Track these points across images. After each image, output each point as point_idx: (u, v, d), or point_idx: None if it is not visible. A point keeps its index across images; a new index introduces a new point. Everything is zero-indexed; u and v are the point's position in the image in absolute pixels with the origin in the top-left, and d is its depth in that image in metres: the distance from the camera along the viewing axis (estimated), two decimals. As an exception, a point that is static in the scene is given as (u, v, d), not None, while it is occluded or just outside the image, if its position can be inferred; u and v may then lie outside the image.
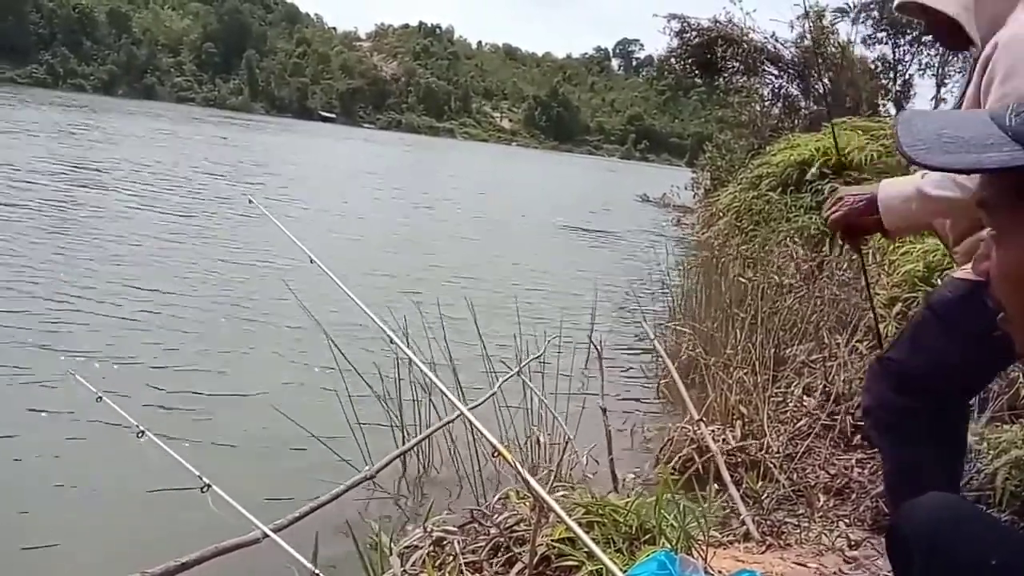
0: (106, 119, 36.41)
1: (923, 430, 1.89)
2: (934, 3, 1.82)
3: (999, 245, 0.80)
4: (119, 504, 3.21)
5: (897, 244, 4.87)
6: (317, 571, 2.06)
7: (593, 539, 1.96)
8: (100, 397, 2.52)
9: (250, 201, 3.02)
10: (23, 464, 3.45)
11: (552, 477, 2.91)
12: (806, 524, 2.72)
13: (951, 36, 1.88)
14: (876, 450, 2.66)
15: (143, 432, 2.41)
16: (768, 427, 3.55)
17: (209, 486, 2.23)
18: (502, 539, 2.33)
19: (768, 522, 2.71)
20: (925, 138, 0.79)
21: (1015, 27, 1.66)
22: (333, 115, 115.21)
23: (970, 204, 1.62)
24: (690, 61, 19.80)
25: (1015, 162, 0.73)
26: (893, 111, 19.93)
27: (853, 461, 3.18)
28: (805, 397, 3.89)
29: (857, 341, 4.15)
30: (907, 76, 22.84)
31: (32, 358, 4.59)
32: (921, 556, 1.46)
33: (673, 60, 20.46)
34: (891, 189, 1.83)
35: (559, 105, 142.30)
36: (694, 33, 19.24)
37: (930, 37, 1.91)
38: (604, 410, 3.40)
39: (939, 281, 3.83)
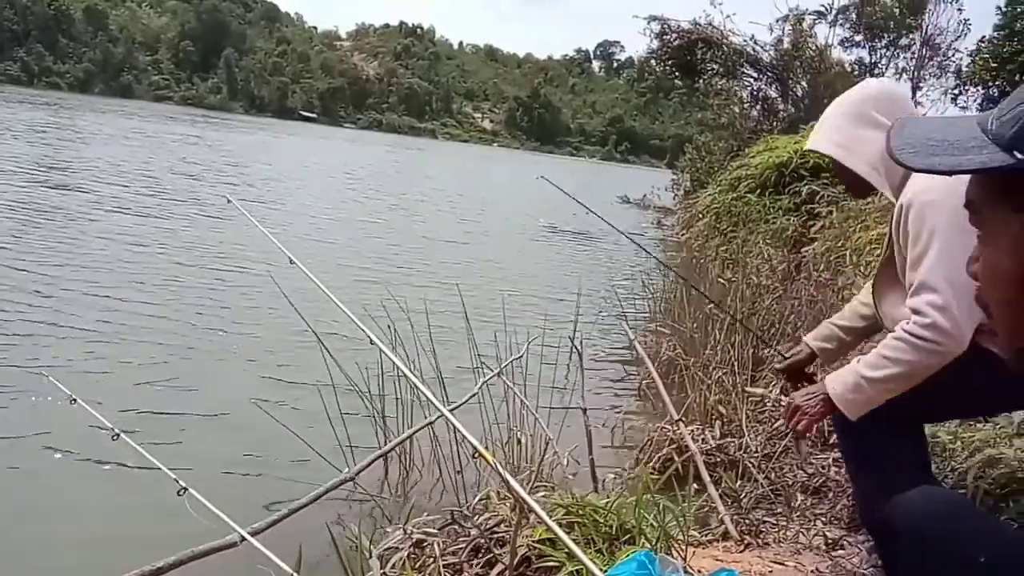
0: (78, 117, 35.91)
1: (883, 435, 1.93)
2: (846, 161, 1.88)
3: (985, 246, 0.82)
4: (93, 508, 3.17)
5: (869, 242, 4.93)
6: (295, 575, 2.05)
7: (573, 540, 1.97)
8: (74, 399, 2.48)
9: (228, 201, 2.99)
10: (-5, 468, 3.39)
11: (533, 478, 2.92)
12: (784, 523, 2.74)
13: (861, 188, 1.95)
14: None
15: (118, 435, 2.38)
16: (747, 427, 3.58)
17: (185, 489, 2.20)
18: (482, 540, 2.33)
19: (747, 521, 2.73)
20: (914, 142, 0.80)
21: (914, 189, 1.73)
22: (313, 115, 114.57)
23: (928, 364, 1.66)
24: (670, 63, 19.97)
25: (992, 163, 0.74)
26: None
27: (830, 460, 3.20)
28: (783, 397, 3.92)
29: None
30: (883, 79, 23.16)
31: (3, 359, 4.51)
32: (911, 550, 1.47)
33: (653, 62, 20.62)
34: (839, 385, 1.83)
35: (540, 106, 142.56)
36: (674, 35, 19.39)
37: (839, 184, 2.04)
38: (584, 411, 3.41)
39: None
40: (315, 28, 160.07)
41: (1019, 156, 0.74)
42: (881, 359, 1.72)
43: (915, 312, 1.66)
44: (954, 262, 1.57)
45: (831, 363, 2.25)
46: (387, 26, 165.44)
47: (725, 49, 19.09)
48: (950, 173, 0.79)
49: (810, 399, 1.90)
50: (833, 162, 1.93)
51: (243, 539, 2.21)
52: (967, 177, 0.85)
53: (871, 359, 1.75)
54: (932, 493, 1.56)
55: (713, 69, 19.84)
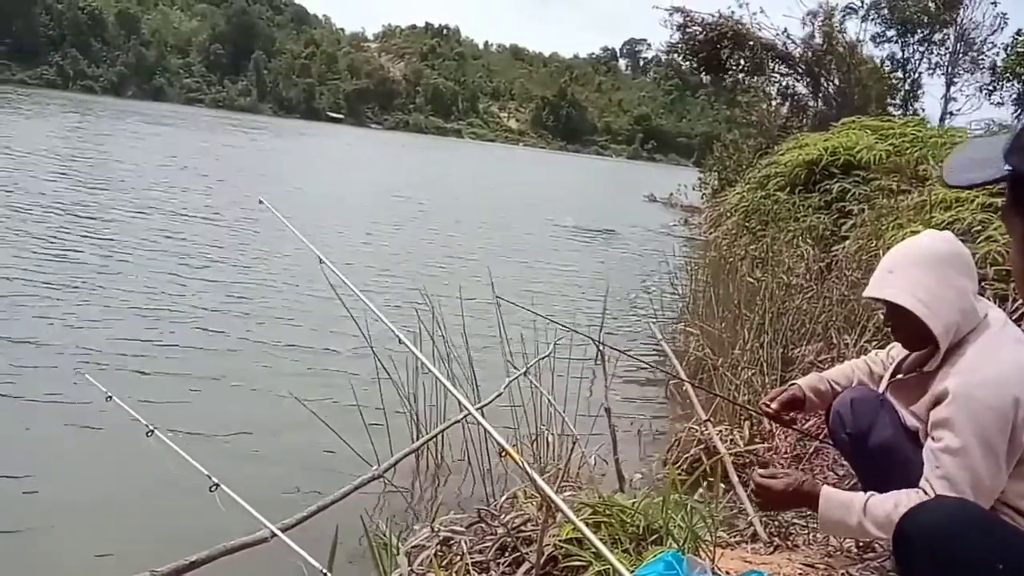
0: (112, 121, 36.59)
1: (893, 454, 1.95)
2: (927, 319, 1.78)
3: (1013, 248, 0.92)
4: (128, 503, 3.23)
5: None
6: (325, 571, 2.07)
7: (600, 539, 1.96)
8: (110, 396, 2.53)
9: (260, 202, 3.02)
10: (33, 462, 3.47)
11: (560, 477, 2.92)
12: (814, 525, 2.70)
13: (918, 343, 1.89)
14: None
15: (152, 431, 2.42)
16: (776, 428, 3.54)
17: (218, 485, 2.24)
18: (509, 539, 2.34)
19: (776, 523, 2.70)
20: (961, 162, 0.95)
21: (966, 379, 1.68)
22: (340, 116, 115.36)
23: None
24: (699, 57, 19.62)
25: (997, 174, 0.87)
26: (901, 111, 19.85)
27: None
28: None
29: (866, 342, 4.13)
30: (916, 75, 22.77)
31: (43, 358, 4.62)
32: (927, 559, 1.45)
33: (677, 57, 20.29)
34: (834, 512, 1.79)
35: (567, 105, 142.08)
36: (698, 28, 19.09)
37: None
38: (608, 411, 3.40)
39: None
40: (343, 30, 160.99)
41: (1008, 167, 0.86)
42: (890, 523, 1.66)
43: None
44: (982, 473, 1.62)
45: (813, 412, 2.29)
46: (413, 27, 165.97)
47: (752, 44, 18.80)
48: (968, 187, 0.95)
49: (783, 495, 1.88)
50: (893, 311, 1.87)
51: (273, 535, 2.24)
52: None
53: (883, 522, 1.70)
54: (949, 501, 1.54)
55: (740, 66, 19.55)
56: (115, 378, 4.30)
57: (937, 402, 1.72)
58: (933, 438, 1.71)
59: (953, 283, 1.78)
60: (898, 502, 1.70)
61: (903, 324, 1.87)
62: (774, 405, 2.24)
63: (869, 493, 1.78)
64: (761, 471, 1.96)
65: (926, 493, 1.67)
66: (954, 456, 1.65)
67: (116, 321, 5.54)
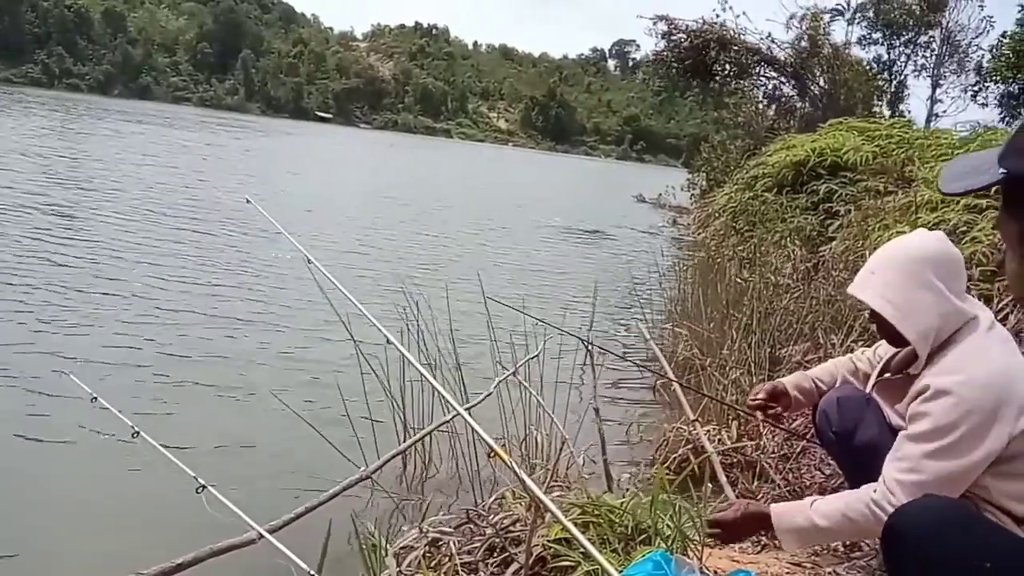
0: (95, 120, 36.31)
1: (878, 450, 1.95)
2: (898, 324, 1.79)
3: (1007, 252, 0.97)
4: (113, 505, 3.20)
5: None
6: (313, 572, 2.06)
7: (589, 539, 1.96)
8: (95, 398, 2.51)
9: (247, 201, 3.00)
10: (16, 464, 3.44)
11: (548, 477, 2.92)
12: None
13: (900, 342, 1.88)
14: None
15: (138, 432, 2.41)
16: (763, 427, 3.56)
17: (204, 487, 2.23)
18: (498, 539, 2.34)
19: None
20: (955, 172, 0.99)
21: (949, 377, 1.67)
22: (329, 115, 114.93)
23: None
24: (686, 63, 19.70)
25: (992, 179, 0.90)
26: (887, 112, 20.00)
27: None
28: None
29: (852, 341, 4.16)
30: (902, 77, 22.95)
31: (26, 359, 4.58)
32: (916, 557, 1.47)
33: (663, 62, 20.34)
34: (786, 522, 1.84)
35: (556, 105, 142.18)
36: (683, 35, 19.17)
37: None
38: (597, 411, 3.40)
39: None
40: (331, 29, 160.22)
41: (1003, 170, 0.89)
42: (842, 518, 1.74)
43: (890, 488, 1.68)
44: (945, 465, 1.62)
45: (797, 411, 2.32)
46: (402, 27, 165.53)
47: (737, 48, 18.90)
48: (963, 194, 0.99)
49: (736, 523, 1.94)
50: (874, 311, 1.87)
51: (261, 536, 2.22)
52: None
53: (830, 512, 1.76)
54: (937, 501, 1.56)
55: (726, 70, 19.62)
56: (99, 380, 4.26)
57: (918, 396, 1.73)
58: (907, 428, 1.73)
59: (933, 286, 1.76)
60: (849, 505, 1.74)
61: (882, 324, 1.88)
62: (760, 396, 2.25)
63: (816, 496, 1.85)
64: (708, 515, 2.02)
65: (883, 484, 1.69)
66: (919, 444, 1.66)
67: (97, 324, 5.49)
